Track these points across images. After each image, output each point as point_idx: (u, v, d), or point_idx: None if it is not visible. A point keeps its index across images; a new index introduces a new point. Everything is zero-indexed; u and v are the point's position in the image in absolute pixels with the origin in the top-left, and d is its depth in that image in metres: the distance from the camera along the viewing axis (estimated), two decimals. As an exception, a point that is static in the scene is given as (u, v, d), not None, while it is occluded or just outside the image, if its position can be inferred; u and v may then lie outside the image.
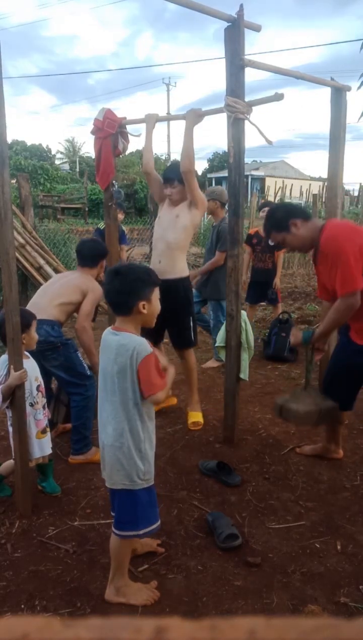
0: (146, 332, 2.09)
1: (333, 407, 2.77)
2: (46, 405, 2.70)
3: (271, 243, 3.08)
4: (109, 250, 3.39)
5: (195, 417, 3.65)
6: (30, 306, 3.00)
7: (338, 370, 2.82)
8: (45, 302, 3.03)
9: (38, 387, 2.61)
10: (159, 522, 1.99)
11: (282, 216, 2.65)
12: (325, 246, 2.52)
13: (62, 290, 3.10)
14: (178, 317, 3.47)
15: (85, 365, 3.08)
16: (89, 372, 3.07)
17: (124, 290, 1.86)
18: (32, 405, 2.56)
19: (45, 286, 3.29)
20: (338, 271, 2.45)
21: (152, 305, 1.90)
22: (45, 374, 2.91)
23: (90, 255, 3.23)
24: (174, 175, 3.32)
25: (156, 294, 1.92)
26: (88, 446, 3.10)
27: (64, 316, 3.08)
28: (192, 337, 3.60)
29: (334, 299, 2.62)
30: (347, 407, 2.92)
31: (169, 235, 3.38)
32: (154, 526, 1.97)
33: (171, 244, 3.38)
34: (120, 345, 1.82)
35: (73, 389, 3.05)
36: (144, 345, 1.83)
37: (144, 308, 1.86)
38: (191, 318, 3.55)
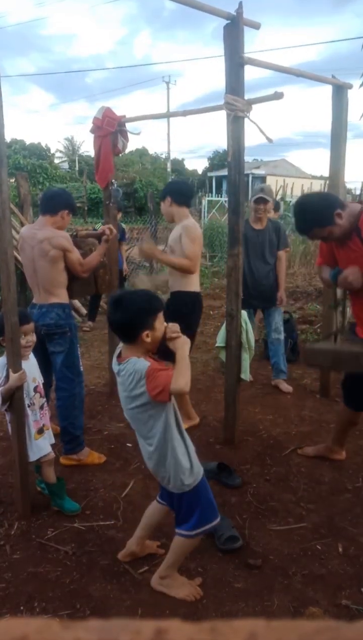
0: None
1: (357, 354, 2.37)
2: (45, 405, 2.68)
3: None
4: (74, 204, 3.13)
5: None
6: (39, 294, 2.98)
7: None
8: (50, 287, 2.95)
9: (35, 387, 2.59)
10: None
11: (326, 209, 2.40)
12: None
13: (48, 271, 2.91)
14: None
15: (80, 359, 3.11)
16: (81, 368, 3.11)
17: (126, 322, 1.88)
18: (29, 406, 2.54)
19: (30, 271, 3.00)
20: None
21: (156, 331, 1.90)
22: (46, 370, 2.89)
23: (50, 202, 2.98)
24: (163, 192, 3.44)
25: (160, 320, 1.92)
26: (80, 446, 3.08)
27: (66, 292, 3.02)
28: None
29: None
30: None
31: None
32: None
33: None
34: (127, 377, 1.87)
35: (62, 382, 3.03)
36: (141, 362, 1.85)
37: (147, 337, 1.87)
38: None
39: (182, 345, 1.90)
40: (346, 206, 2.46)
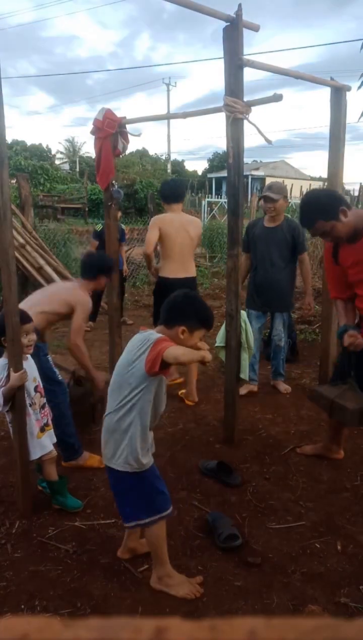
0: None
1: (344, 408, 2.54)
2: (46, 404, 2.68)
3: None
4: (112, 269, 3.31)
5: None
6: None
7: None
8: (26, 308, 2.92)
9: (36, 387, 2.60)
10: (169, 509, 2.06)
11: (331, 203, 2.42)
12: None
13: (48, 299, 3.05)
14: None
15: (55, 370, 3.02)
16: (59, 378, 3.02)
17: (180, 308, 1.96)
18: (30, 405, 2.55)
19: (34, 293, 3.22)
20: None
21: (191, 338, 1.94)
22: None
23: (89, 265, 3.19)
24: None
25: (200, 334, 1.98)
26: (77, 452, 3.05)
27: (44, 323, 3.01)
28: None
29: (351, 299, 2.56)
30: None
31: None
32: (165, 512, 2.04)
33: None
34: (136, 341, 1.91)
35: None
36: (157, 335, 1.88)
37: (182, 333, 1.92)
38: None
39: (199, 349, 1.93)
40: (352, 208, 2.48)
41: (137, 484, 1.99)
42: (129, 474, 1.96)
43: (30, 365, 2.60)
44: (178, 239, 3.70)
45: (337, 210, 2.39)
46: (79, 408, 3.21)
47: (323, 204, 2.44)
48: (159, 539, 2.06)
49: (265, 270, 4.06)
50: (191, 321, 1.94)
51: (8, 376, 2.41)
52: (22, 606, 2.02)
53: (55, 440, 2.70)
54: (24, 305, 3.03)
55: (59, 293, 3.13)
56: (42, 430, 2.60)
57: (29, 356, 2.62)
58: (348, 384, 2.65)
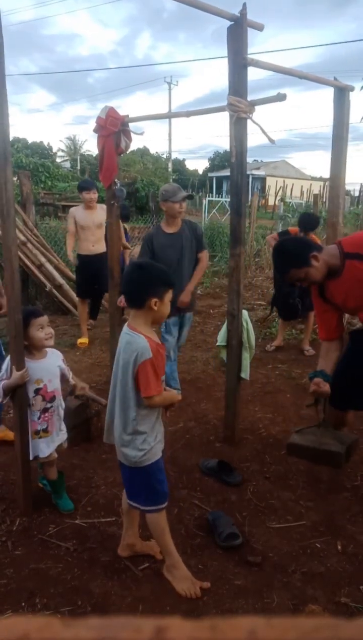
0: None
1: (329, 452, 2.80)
2: (52, 409, 2.55)
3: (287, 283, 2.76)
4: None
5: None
6: None
7: (353, 373, 2.77)
8: None
9: (38, 390, 2.49)
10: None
11: (300, 251, 2.50)
12: None
13: None
14: None
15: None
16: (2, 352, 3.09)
17: (141, 283, 1.96)
18: (29, 406, 2.49)
19: None
20: None
21: (164, 304, 1.97)
22: None
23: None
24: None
25: (169, 296, 1.98)
26: None
27: None
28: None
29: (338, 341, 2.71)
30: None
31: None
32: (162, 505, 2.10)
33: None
34: (127, 343, 1.95)
35: None
36: (146, 349, 1.91)
37: (155, 305, 1.93)
38: None
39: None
40: (322, 248, 2.57)
41: (142, 475, 2.07)
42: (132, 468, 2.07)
43: (42, 366, 2.50)
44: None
45: (308, 257, 2.47)
46: (74, 421, 3.18)
47: (292, 253, 2.54)
48: (157, 524, 2.11)
49: (175, 275, 3.94)
50: (158, 289, 1.93)
51: (10, 371, 2.41)
52: (23, 604, 2.03)
53: (54, 447, 2.61)
54: None
55: None
56: (37, 433, 2.51)
57: (50, 356, 2.56)
58: (320, 425, 2.84)
